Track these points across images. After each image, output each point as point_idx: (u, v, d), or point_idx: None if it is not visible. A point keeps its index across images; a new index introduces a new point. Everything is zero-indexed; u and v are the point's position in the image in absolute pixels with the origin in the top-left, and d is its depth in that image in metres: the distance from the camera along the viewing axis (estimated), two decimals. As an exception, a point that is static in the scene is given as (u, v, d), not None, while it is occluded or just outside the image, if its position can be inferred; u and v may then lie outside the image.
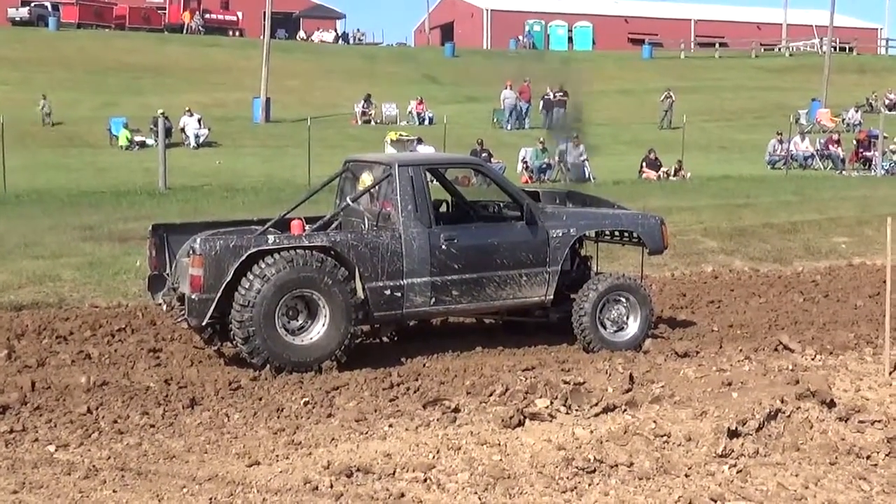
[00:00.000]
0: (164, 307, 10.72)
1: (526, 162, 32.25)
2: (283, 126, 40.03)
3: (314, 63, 57.98)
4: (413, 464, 6.79)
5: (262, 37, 47.62)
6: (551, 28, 74.84)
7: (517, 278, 10.95)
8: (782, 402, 7.63)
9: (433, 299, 10.63)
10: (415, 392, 8.89)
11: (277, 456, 7.07)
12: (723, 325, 12.23)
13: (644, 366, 9.14)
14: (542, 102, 41.73)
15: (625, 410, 7.64)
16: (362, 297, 10.30)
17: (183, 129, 35.98)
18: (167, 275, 10.83)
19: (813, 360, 9.12)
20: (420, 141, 32.73)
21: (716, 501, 6.40)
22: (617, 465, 6.79)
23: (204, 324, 10.04)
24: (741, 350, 9.62)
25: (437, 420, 7.69)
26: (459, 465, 6.80)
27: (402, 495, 6.40)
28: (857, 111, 46.84)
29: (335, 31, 76.39)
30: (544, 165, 32.17)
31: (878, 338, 9.61)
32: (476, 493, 6.46)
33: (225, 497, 6.37)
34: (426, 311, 10.79)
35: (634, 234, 11.80)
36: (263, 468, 6.83)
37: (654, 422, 7.36)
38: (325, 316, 10.02)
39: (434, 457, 6.93)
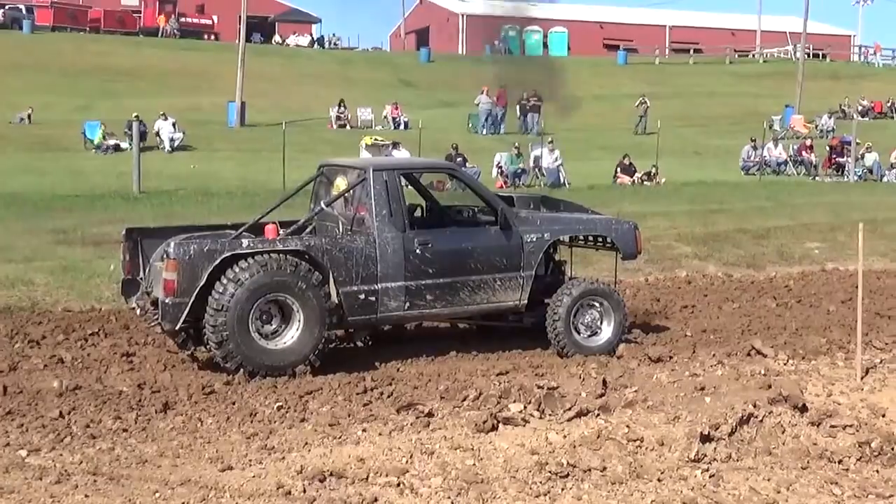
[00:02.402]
0: (138, 311, 10.68)
1: (501, 167, 32.28)
2: (258, 130, 39.91)
3: (289, 67, 57.85)
4: (386, 468, 6.79)
5: (237, 41, 47.48)
6: (527, 34, 74.85)
7: (491, 283, 10.98)
8: (755, 406, 7.67)
9: (407, 304, 10.63)
10: (388, 397, 8.89)
11: (250, 460, 7.05)
12: (696, 330, 12.28)
13: (617, 371, 9.18)
14: (518, 107, 41.81)
15: (598, 415, 7.67)
16: (336, 301, 10.28)
17: (157, 133, 35.77)
18: (141, 279, 10.78)
19: (785, 364, 9.19)
20: (396, 145, 32.71)
21: (688, 505, 6.43)
22: (590, 470, 6.81)
23: (178, 328, 10.00)
24: (714, 355, 9.67)
25: (411, 425, 7.70)
26: (433, 469, 6.80)
27: (376, 500, 6.40)
28: (830, 117, 47.11)
29: (311, 35, 76.15)
30: (519, 170, 32.21)
31: (850, 343, 9.68)
32: (449, 497, 6.46)
33: (197, 501, 6.35)
34: (400, 316, 10.77)
35: (608, 240, 11.85)
36: (236, 473, 6.81)
37: (628, 426, 7.39)
38: (300, 321, 9.99)
39: (407, 461, 6.93)
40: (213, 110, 43.24)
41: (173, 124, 36.14)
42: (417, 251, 10.67)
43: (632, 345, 10.93)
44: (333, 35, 79.76)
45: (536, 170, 32.41)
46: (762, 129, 38.32)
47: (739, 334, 11.97)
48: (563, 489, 6.63)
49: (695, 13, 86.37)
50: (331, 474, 6.67)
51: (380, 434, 7.52)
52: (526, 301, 11.21)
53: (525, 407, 7.78)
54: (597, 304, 11.23)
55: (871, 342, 10.17)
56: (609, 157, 34.58)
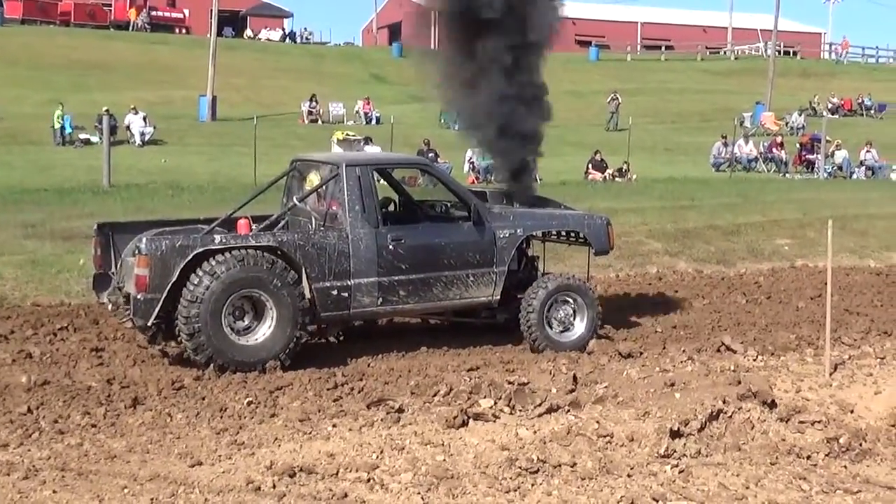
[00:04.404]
0: (110, 306, 10.61)
1: (472, 162, 32.28)
2: (229, 125, 39.73)
3: (261, 62, 57.64)
4: (356, 464, 6.77)
5: (208, 35, 47.25)
6: (500, 29, 74.91)
7: (464, 278, 11.00)
8: (724, 402, 7.70)
9: (380, 299, 10.63)
10: (359, 392, 8.89)
11: (220, 456, 7.02)
12: (666, 325, 12.34)
13: (588, 366, 9.20)
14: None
15: (568, 411, 7.68)
16: (309, 297, 10.28)
17: (128, 127, 35.56)
18: (112, 274, 10.73)
19: (755, 360, 9.22)
20: (368, 141, 32.66)
21: (658, 501, 6.44)
22: (560, 466, 6.82)
23: (149, 324, 9.96)
24: (684, 351, 9.70)
25: (381, 420, 7.68)
26: (403, 465, 6.79)
27: (346, 495, 6.38)
28: (800, 115, 47.44)
29: (282, 29, 75.87)
30: (490, 166, 32.18)
31: (819, 339, 9.75)
32: (419, 493, 6.45)
33: (167, 497, 6.31)
34: (373, 312, 10.78)
35: (581, 235, 11.88)
36: (206, 468, 6.77)
37: (598, 422, 7.41)
38: (272, 317, 10.00)
39: (377, 457, 6.91)
40: (184, 105, 43.04)
41: (144, 118, 35.94)
42: (390, 247, 10.66)
43: (602, 341, 10.97)
44: (305, 29, 79.55)
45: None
46: (733, 126, 38.51)
47: (709, 330, 12.04)
48: (533, 485, 6.63)
49: (666, 10, 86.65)
50: (301, 470, 6.65)
51: (350, 429, 7.49)
52: (499, 297, 11.22)
53: (495, 403, 7.78)
54: (570, 300, 11.28)
55: (840, 338, 10.24)
56: (580, 154, 34.65)
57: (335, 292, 10.43)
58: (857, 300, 14.16)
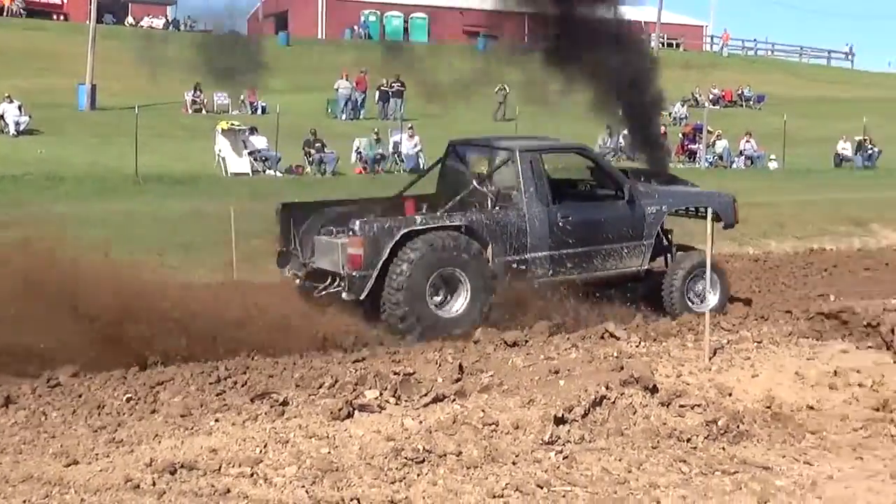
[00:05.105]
0: (297, 281, 11.88)
1: (360, 152, 32.16)
2: (109, 114, 38.74)
3: (143, 50, 56.36)
4: (239, 458, 6.66)
5: (88, 21, 46.08)
6: (387, 19, 74.81)
7: (619, 250, 12.44)
8: (607, 388, 7.78)
9: (551, 271, 11.96)
10: (242, 386, 8.73)
11: (97, 454, 6.82)
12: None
13: (474, 355, 9.20)
14: (377, 93, 41.68)
15: (454, 400, 7.67)
16: (494, 271, 11.48)
17: (2, 117, 34.47)
18: (294, 251, 11.99)
19: (637, 347, 9.35)
20: (253, 131, 32.22)
21: (542, 488, 6.47)
22: (445, 455, 6.80)
23: (362, 297, 11.11)
24: (569, 338, 9.77)
25: (265, 414, 7.57)
26: (287, 458, 6.70)
27: (228, 491, 6.26)
28: (682, 105, 48.28)
29: (165, 17, 74.44)
30: (378, 156, 32.13)
31: (699, 325, 9.90)
32: (303, 486, 6.37)
33: (40, 499, 6.11)
34: (545, 282, 11.88)
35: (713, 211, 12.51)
36: (82, 467, 6.57)
37: (483, 411, 7.41)
38: (466, 291, 11.26)
39: (261, 451, 6.81)
40: (62, 94, 41.84)
41: (19, 107, 34.86)
42: (560, 223, 12.03)
43: (489, 329, 10.98)
44: (189, 17, 78.18)
45: (396, 156, 32.38)
46: (617, 116, 38.98)
47: (594, 318, 12.12)
48: (418, 475, 6.60)
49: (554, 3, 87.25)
50: (182, 466, 6.50)
51: (233, 424, 7.36)
52: (647, 267, 12.71)
53: (381, 393, 7.74)
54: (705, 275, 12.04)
55: (719, 324, 10.42)
56: (467, 143, 34.68)
57: (515, 265, 11.69)
58: (737, 286, 14.46)
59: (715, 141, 38.15)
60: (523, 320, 11.06)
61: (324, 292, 11.39)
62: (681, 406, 7.81)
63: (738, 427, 7.60)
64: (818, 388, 8.34)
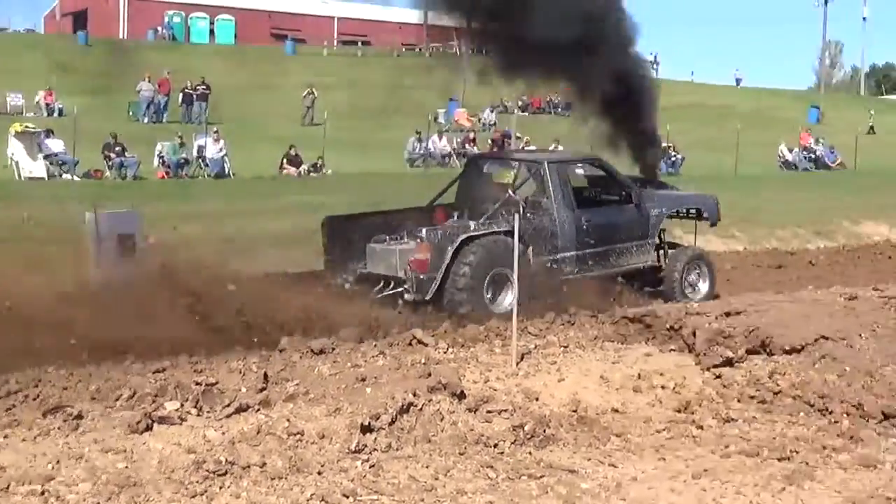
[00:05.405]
0: (346, 285, 13.02)
1: (163, 157, 31.35)
2: None
3: (-70, 47, 53.62)
4: (30, 476, 6.29)
5: None
6: (192, 20, 73.33)
7: (630, 248, 14.25)
8: (415, 395, 7.72)
9: (576, 269, 13.56)
10: (34, 399, 8.24)
11: None
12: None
13: (279, 364, 8.99)
14: (181, 95, 40.77)
15: (258, 410, 7.48)
16: (533, 270, 12.67)
17: None
18: (337, 259, 13.28)
19: (445, 353, 9.32)
20: (48, 133, 30.97)
21: (348, 497, 6.36)
22: (249, 466, 6.61)
23: (427, 298, 12.45)
24: (376, 345, 9.66)
25: (58, 428, 7.20)
26: (81, 474, 6.37)
27: (16, 511, 5.91)
28: (492, 111, 48.98)
29: (-45, 12, 71.01)
30: (182, 160, 31.40)
31: (506, 330, 9.97)
32: (99, 503, 6.08)
33: None
34: (571, 279, 13.37)
35: (701, 211, 15.52)
36: None
37: (288, 420, 7.26)
38: (513, 288, 11.53)
39: (53, 467, 6.46)
40: None
41: None
42: (584, 227, 13.65)
43: (295, 337, 10.76)
44: (-20, 14, 74.71)
45: (200, 160, 31.73)
46: (427, 122, 39.30)
47: (402, 324, 12.08)
48: (221, 487, 6.39)
49: (363, 6, 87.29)
50: (-37, 487, 6.10)
51: (23, 440, 6.98)
52: (652, 263, 14.58)
53: (182, 405, 7.48)
54: (697, 268, 14.61)
55: (527, 328, 10.53)
56: (275, 148, 34.29)
57: (549, 264, 13.19)
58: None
59: (524, 147, 38.79)
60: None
61: (380, 295, 12.72)
62: (488, 412, 7.82)
63: (544, 431, 7.67)
64: (623, 391, 8.51)
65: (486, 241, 12.59)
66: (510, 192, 13.66)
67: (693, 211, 15.60)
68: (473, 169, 14.92)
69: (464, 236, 12.55)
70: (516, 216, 12.67)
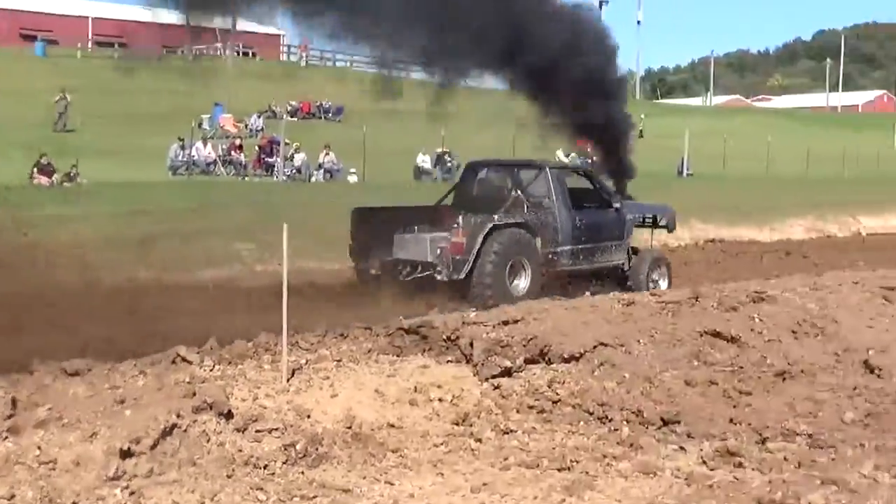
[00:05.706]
0: (372, 271, 15.01)
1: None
2: None
3: None
4: None
5: None
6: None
7: (611, 247, 16.34)
8: (178, 416, 7.28)
9: (571, 262, 15.59)
10: None
11: None
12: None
13: (30, 387, 8.27)
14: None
15: (6, 438, 6.90)
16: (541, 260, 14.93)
17: None
18: (361, 248, 15.21)
19: (212, 371, 8.83)
20: None
21: (102, 529, 5.91)
22: (-4, 500, 6.06)
23: (461, 276, 14.26)
24: (136, 365, 9.04)
25: None
26: None
27: None
28: (259, 117, 48.13)
29: None
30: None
31: (276, 345, 9.59)
32: None
33: None
34: (566, 271, 15.56)
35: (660, 219, 17.94)
36: None
37: (39, 448, 6.73)
38: (527, 273, 14.73)
39: None
40: None
41: None
42: (578, 225, 15.66)
43: (47, 361, 9.95)
44: None
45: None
46: (191, 128, 38.21)
47: (161, 342, 11.39)
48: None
49: (118, 6, 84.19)
50: None
51: None
52: (623, 262, 16.60)
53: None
54: (659, 267, 16.79)
55: (298, 343, 10.15)
56: (25, 157, 32.37)
57: (551, 256, 15.23)
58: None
59: (293, 154, 38.27)
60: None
61: (409, 277, 14.60)
62: (257, 431, 7.48)
63: (317, 450, 7.40)
64: (399, 405, 8.32)
65: (509, 231, 14.59)
66: (517, 191, 15.57)
67: (649, 219, 17.82)
68: (471, 174, 16.81)
69: (492, 225, 14.44)
70: (528, 212, 15.35)
